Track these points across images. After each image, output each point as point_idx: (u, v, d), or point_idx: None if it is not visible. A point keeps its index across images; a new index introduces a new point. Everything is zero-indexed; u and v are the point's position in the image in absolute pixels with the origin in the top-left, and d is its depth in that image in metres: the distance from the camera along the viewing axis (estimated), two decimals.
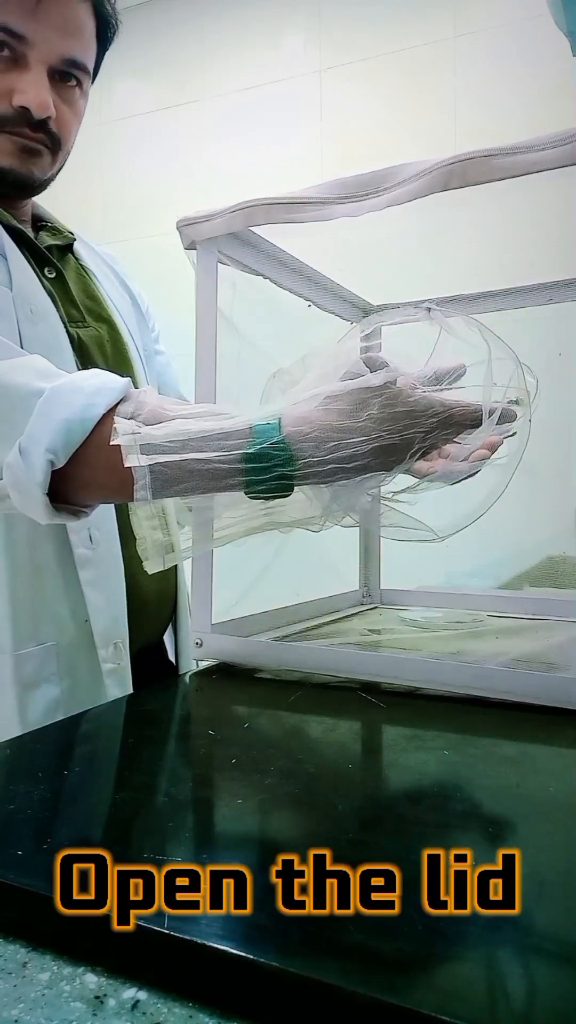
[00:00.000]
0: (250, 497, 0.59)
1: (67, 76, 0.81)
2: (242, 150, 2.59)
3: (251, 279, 0.80)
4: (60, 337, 0.83)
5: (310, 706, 0.65)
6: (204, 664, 0.78)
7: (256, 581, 0.81)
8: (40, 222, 0.94)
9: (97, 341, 0.90)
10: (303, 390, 0.62)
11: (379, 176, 0.64)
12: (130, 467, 0.58)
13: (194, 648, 0.78)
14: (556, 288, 0.93)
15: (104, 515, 0.84)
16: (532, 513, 0.97)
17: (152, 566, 0.64)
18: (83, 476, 0.61)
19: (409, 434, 0.58)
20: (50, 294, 0.85)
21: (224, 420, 0.59)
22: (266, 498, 0.59)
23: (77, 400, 0.60)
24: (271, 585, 0.84)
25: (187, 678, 0.76)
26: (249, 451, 0.57)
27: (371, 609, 1.08)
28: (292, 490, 0.58)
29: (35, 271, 0.85)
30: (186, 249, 0.75)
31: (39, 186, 0.86)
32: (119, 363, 0.92)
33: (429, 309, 0.66)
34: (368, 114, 2.42)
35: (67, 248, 0.95)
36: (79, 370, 0.83)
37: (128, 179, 2.74)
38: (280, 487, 0.58)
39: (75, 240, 0.96)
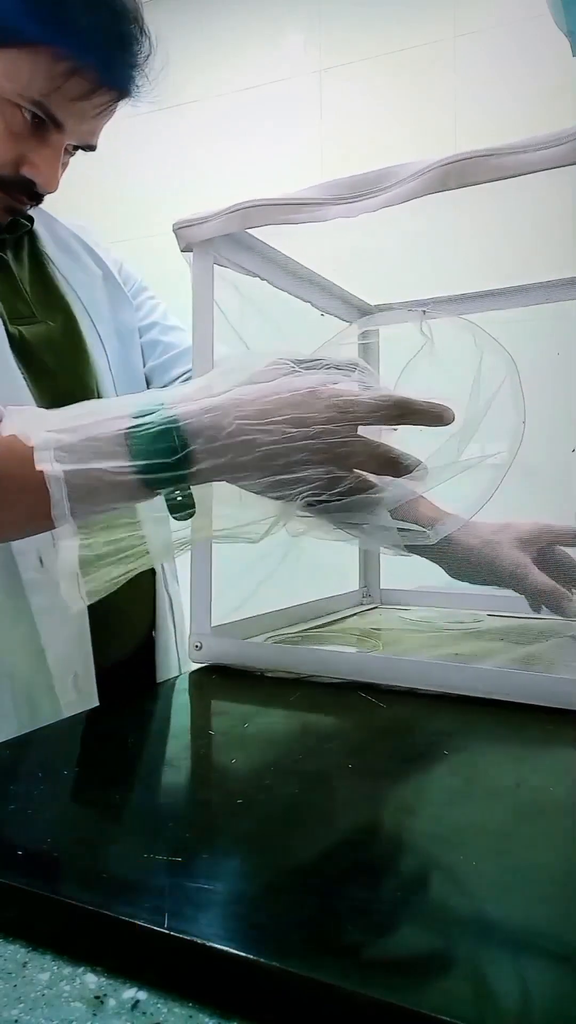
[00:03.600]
0: (147, 485, 0.56)
1: (74, 151, 0.79)
2: (242, 150, 2.59)
3: (249, 281, 0.80)
4: None
5: (310, 705, 0.65)
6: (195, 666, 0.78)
7: (256, 584, 0.80)
8: None
9: (43, 337, 0.84)
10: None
11: (375, 177, 0.64)
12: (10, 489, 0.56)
13: (193, 651, 0.76)
14: (554, 288, 0.93)
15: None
16: (532, 513, 0.97)
17: (73, 605, 0.60)
18: None
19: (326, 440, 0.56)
20: None
21: (113, 412, 0.58)
22: (161, 478, 0.56)
23: None
24: (271, 586, 0.84)
25: (186, 678, 0.76)
26: (133, 413, 0.56)
27: (371, 609, 1.08)
28: (191, 469, 0.56)
29: None
30: (183, 251, 0.75)
31: None
32: (72, 358, 0.86)
33: (424, 311, 0.66)
34: (368, 114, 2.42)
35: (23, 236, 0.88)
36: (19, 371, 0.79)
37: (128, 179, 2.74)
38: (166, 451, 0.55)
39: (29, 227, 0.88)
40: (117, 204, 2.72)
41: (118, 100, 0.76)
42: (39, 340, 0.83)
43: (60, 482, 0.55)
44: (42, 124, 0.73)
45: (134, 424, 0.56)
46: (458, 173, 0.60)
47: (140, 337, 0.98)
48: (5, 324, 0.79)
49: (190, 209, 0.74)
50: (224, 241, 0.75)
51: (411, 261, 0.97)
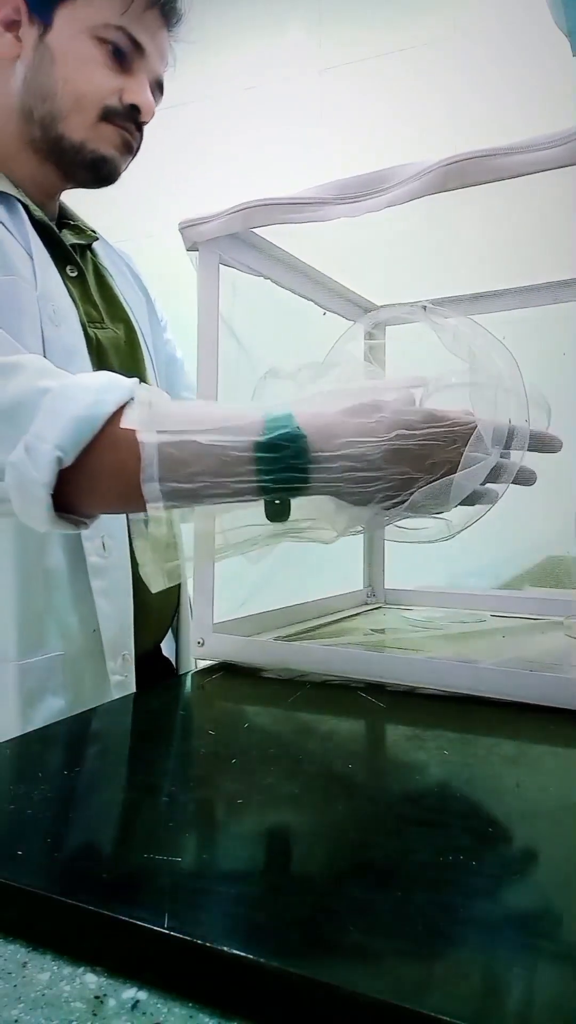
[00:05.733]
0: (263, 493, 0.58)
1: (154, 94, 0.89)
2: (242, 150, 2.59)
3: (253, 280, 0.80)
4: (78, 339, 0.84)
5: (310, 706, 0.65)
6: (203, 663, 0.78)
7: (260, 581, 0.80)
8: (64, 219, 0.95)
9: (114, 343, 0.90)
10: (317, 391, 0.62)
11: (378, 177, 0.64)
12: (139, 465, 0.56)
13: (196, 647, 0.77)
14: (561, 288, 0.93)
15: (117, 522, 0.83)
16: (533, 513, 0.97)
17: (155, 584, 0.63)
18: (90, 477, 0.59)
19: (427, 443, 0.57)
20: (70, 294, 0.86)
21: (238, 408, 0.59)
22: (277, 493, 0.58)
23: (86, 398, 0.58)
24: (275, 585, 0.84)
25: (188, 678, 0.76)
26: (261, 439, 0.56)
27: (375, 609, 1.08)
28: (304, 488, 0.57)
29: (57, 269, 0.85)
30: (188, 251, 0.75)
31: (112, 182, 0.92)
32: (133, 365, 0.92)
33: (425, 307, 0.66)
34: (369, 114, 2.41)
35: (87, 247, 0.96)
36: (93, 371, 0.84)
37: (128, 179, 2.74)
38: (291, 479, 0.56)
39: (97, 239, 0.97)
40: (117, 204, 2.72)
41: (170, 17, 0.88)
42: (110, 344, 0.89)
43: (154, 451, 0.56)
44: (125, 59, 0.85)
45: (262, 441, 0.56)
46: (458, 174, 0.60)
47: None
48: (84, 327, 0.85)
49: (189, 209, 0.74)
50: (229, 240, 0.75)
51: (416, 261, 0.97)
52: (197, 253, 0.75)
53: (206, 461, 0.56)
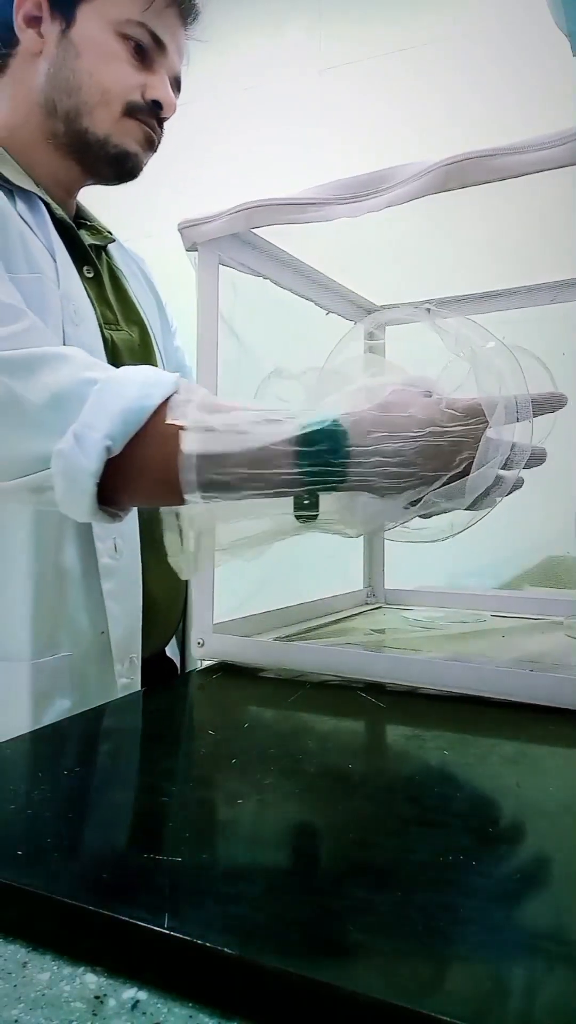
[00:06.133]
0: (299, 486, 0.58)
1: (173, 91, 0.90)
2: (242, 150, 2.59)
3: (253, 281, 0.80)
4: (96, 339, 0.84)
5: (310, 706, 0.65)
6: (205, 663, 0.78)
7: (260, 581, 0.80)
8: (80, 219, 0.95)
9: (128, 344, 0.91)
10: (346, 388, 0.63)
11: (378, 177, 0.64)
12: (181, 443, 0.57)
13: (196, 648, 0.77)
14: (560, 288, 0.93)
15: (129, 525, 0.83)
16: (533, 513, 0.97)
17: (186, 572, 0.64)
18: (133, 469, 0.59)
19: (458, 440, 0.58)
20: (88, 294, 0.86)
21: (277, 407, 0.60)
22: (313, 485, 0.58)
23: (132, 391, 0.59)
24: (275, 585, 0.84)
25: (189, 677, 0.76)
26: (299, 432, 0.57)
27: (375, 609, 1.08)
28: (338, 482, 0.58)
29: (75, 269, 0.86)
30: (188, 251, 0.75)
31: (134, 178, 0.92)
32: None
33: (428, 310, 0.66)
34: (369, 114, 2.41)
35: (103, 248, 0.96)
36: None
37: None
38: (326, 472, 0.57)
39: (113, 241, 0.98)
40: (117, 204, 2.72)
41: (187, 14, 0.89)
42: (124, 346, 0.89)
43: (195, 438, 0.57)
44: (147, 56, 0.86)
45: (300, 435, 0.57)
46: (458, 173, 0.60)
47: None
48: (100, 328, 0.86)
49: (189, 209, 0.74)
50: (229, 241, 0.75)
51: (417, 261, 0.97)
52: (196, 253, 0.75)
53: (245, 453, 0.57)
